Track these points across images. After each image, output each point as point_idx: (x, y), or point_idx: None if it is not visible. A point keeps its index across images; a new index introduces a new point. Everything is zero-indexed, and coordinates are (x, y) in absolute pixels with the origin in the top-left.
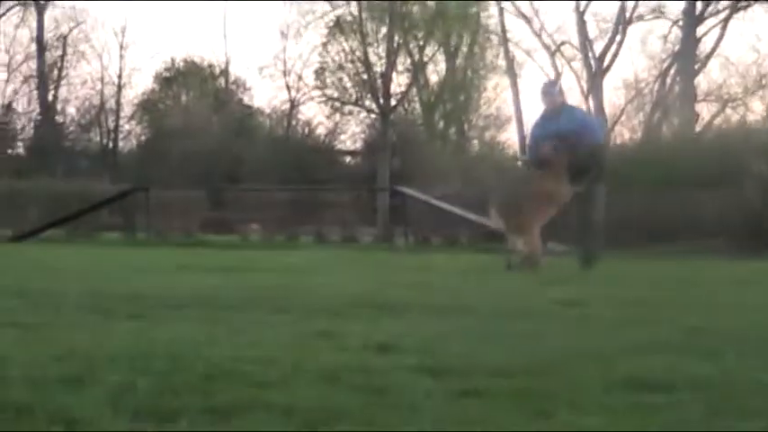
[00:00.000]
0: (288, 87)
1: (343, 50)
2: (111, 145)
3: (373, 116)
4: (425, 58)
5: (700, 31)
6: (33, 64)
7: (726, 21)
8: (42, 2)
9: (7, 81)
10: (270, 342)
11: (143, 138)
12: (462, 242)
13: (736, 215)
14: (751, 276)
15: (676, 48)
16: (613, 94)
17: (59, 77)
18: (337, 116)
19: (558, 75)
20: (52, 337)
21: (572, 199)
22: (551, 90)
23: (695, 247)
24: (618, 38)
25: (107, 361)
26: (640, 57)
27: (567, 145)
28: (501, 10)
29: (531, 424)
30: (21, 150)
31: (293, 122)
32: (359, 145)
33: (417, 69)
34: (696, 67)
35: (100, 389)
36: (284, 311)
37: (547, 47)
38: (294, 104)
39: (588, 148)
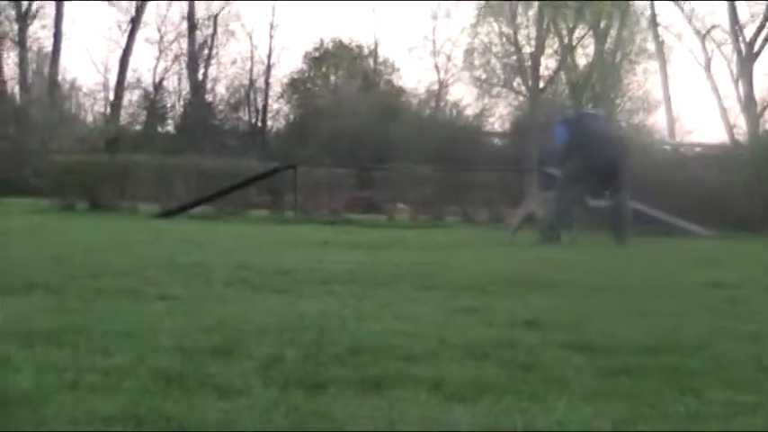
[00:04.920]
0: (436, 68)
1: (493, 31)
2: (259, 124)
3: (521, 98)
4: (574, 41)
5: None
6: (184, 43)
7: None
8: None
9: (158, 59)
10: (417, 317)
11: (291, 117)
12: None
13: None
14: None
15: None
16: (764, 79)
17: (209, 57)
18: (485, 98)
19: (709, 59)
20: (202, 309)
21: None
22: None
23: None
24: None
25: (256, 333)
26: None
27: None
28: None
29: (681, 400)
30: (170, 128)
31: (441, 103)
32: (507, 126)
33: (566, 52)
34: None
35: (249, 359)
36: (431, 288)
37: (697, 31)
38: (442, 85)
39: None
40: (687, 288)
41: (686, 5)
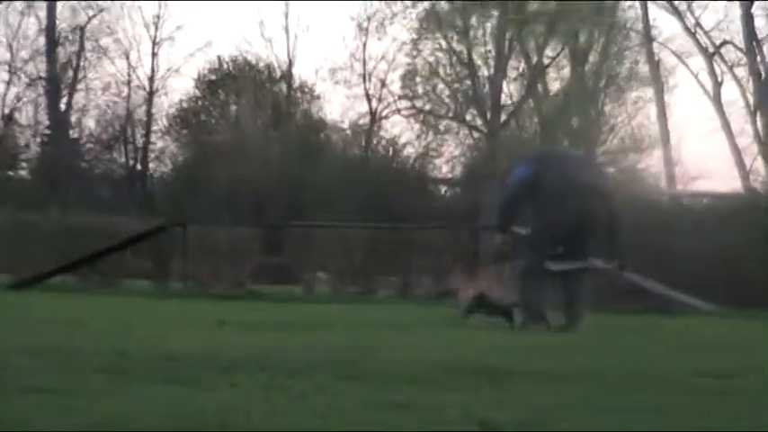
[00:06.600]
0: (367, 96)
1: (440, 49)
2: (139, 167)
3: (477, 135)
4: (545, 61)
5: None
6: (42, 63)
7: None
8: None
9: (8, 84)
10: (336, 413)
11: (180, 159)
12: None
13: None
14: None
15: None
16: None
17: (75, 80)
18: (430, 134)
19: (718, 84)
20: (78, 405)
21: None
22: None
23: None
24: None
25: None
26: None
27: None
28: (644, 2)
29: None
30: (24, 173)
31: (374, 141)
32: (458, 172)
33: (535, 75)
34: None
35: None
36: (355, 378)
37: (703, 49)
38: (375, 118)
39: None
40: (673, 376)
41: (689, 15)
